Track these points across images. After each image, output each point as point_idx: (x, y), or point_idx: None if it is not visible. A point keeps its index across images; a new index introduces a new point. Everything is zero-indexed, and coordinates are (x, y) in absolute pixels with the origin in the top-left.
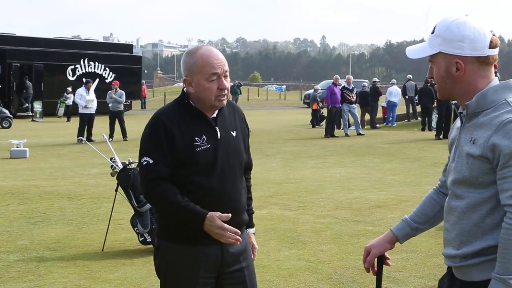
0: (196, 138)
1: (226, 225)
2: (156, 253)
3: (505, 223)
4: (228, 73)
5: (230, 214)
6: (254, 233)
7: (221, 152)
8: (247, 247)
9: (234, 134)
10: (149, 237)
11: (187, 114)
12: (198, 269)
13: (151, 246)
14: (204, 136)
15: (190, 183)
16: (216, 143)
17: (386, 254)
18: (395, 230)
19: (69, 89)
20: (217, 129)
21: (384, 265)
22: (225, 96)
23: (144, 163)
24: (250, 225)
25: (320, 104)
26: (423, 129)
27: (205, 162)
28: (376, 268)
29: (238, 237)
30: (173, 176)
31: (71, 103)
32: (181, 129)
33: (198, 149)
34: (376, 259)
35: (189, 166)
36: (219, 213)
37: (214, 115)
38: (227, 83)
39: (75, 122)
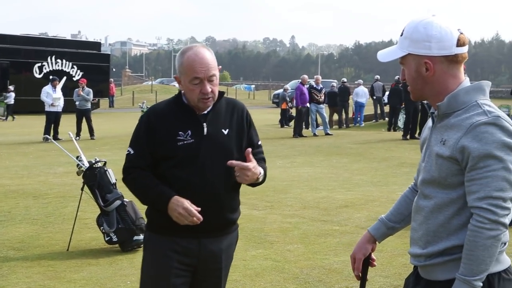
0: (180, 132)
1: (193, 210)
2: (143, 242)
3: (471, 225)
4: (214, 77)
5: (199, 208)
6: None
7: (205, 148)
8: (230, 248)
9: (225, 132)
10: (115, 236)
11: (178, 109)
12: (172, 259)
13: (117, 245)
14: (189, 131)
15: (171, 176)
16: (200, 139)
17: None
18: (372, 230)
19: (11, 87)
20: (204, 126)
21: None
22: (209, 98)
23: (127, 152)
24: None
25: (290, 104)
26: (389, 129)
27: (185, 156)
28: (361, 272)
29: (198, 217)
30: (156, 168)
31: (12, 102)
32: (166, 123)
33: (180, 143)
34: (362, 264)
35: (170, 159)
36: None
37: (205, 112)
38: (212, 86)
39: (41, 120)
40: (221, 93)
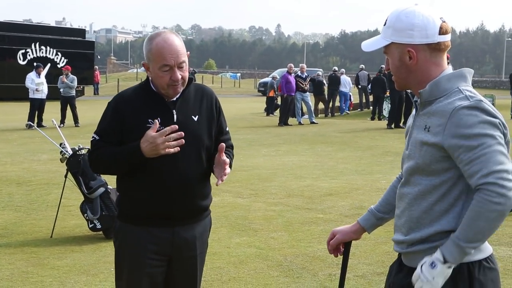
0: (149, 120)
1: (157, 133)
2: (113, 233)
3: (478, 197)
4: (184, 64)
5: (175, 126)
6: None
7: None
8: (204, 234)
9: (195, 118)
10: (98, 223)
11: (147, 97)
12: (146, 249)
13: (100, 232)
14: (159, 118)
15: (142, 165)
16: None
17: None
18: (362, 221)
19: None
20: (174, 112)
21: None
22: (178, 85)
23: (91, 139)
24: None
25: (277, 93)
26: (372, 118)
27: None
28: (342, 255)
29: (178, 133)
30: None
31: None
32: (135, 110)
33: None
34: (343, 247)
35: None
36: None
37: (174, 98)
38: (182, 72)
39: (25, 107)
40: (189, 79)
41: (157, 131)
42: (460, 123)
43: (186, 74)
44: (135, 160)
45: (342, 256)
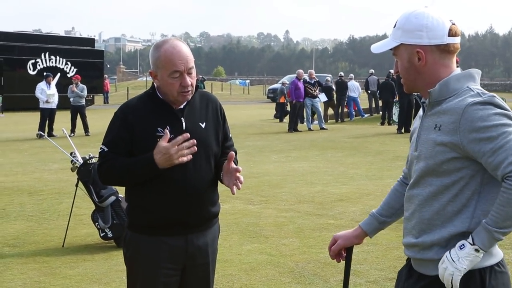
0: (159, 128)
1: (169, 144)
2: (123, 244)
3: (508, 185)
4: (193, 70)
5: (187, 134)
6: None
7: (185, 143)
8: (214, 241)
9: (203, 125)
10: (110, 232)
11: (154, 105)
12: (160, 259)
13: (112, 241)
14: (168, 126)
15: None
16: (180, 133)
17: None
18: (364, 226)
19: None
20: (183, 120)
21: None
22: (189, 91)
23: (100, 150)
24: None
25: (288, 99)
26: (382, 123)
27: None
28: (345, 260)
29: (191, 142)
30: None
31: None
32: (144, 120)
33: (160, 139)
34: (346, 252)
35: None
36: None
37: (181, 106)
38: (191, 79)
39: (36, 117)
40: (195, 87)
41: (169, 140)
42: (474, 117)
43: (195, 81)
44: (150, 172)
45: (345, 261)
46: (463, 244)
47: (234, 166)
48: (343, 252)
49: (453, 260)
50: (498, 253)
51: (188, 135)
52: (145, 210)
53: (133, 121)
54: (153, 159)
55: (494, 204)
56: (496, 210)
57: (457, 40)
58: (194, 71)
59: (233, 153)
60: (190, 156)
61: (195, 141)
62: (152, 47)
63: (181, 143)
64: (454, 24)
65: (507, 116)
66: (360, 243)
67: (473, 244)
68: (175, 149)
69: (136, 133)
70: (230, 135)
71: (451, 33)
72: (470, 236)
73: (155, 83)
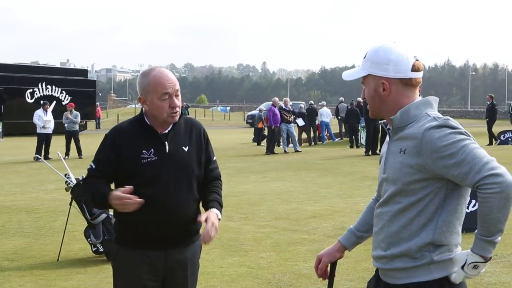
0: (144, 151)
1: (123, 195)
2: (110, 256)
3: (481, 195)
4: (179, 92)
5: (131, 187)
6: (217, 215)
7: (167, 165)
8: (195, 255)
9: (185, 149)
10: (101, 247)
11: (141, 129)
12: (142, 271)
13: (103, 255)
14: (152, 149)
15: (136, 194)
16: (163, 156)
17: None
18: (343, 240)
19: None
20: (166, 144)
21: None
22: (177, 113)
23: (88, 167)
24: (214, 206)
25: (265, 124)
26: (351, 147)
27: (150, 173)
28: (328, 274)
29: (136, 200)
30: (120, 184)
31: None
32: (130, 142)
33: (144, 161)
34: (329, 266)
35: (135, 177)
36: (122, 189)
37: (166, 131)
38: (178, 101)
39: (33, 141)
40: (181, 113)
41: (153, 199)
42: (433, 140)
43: (181, 104)
44: (107, 207)
45: (329, 274)
46: (476, 265)
47: (209, 224)
48: (327, 269)
49: (472, 275)
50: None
51: (131, 187)
52: (128, 226)
53: (120, 143)
54: (107, 200)
55: (478, 215)
56: (483, 220)
57: (419, 75)
58: (180, 94)
59: (202, 218)
60: (142, 200)
61: (142, 200)
62: (139, 75)
63: (127, 198)
64: (417, 60)
65: (461, 133)
66: (342, 257)
67: (485, 261)
68: (131, 201)
69: (122, 154)
70: (214, 158)
71: (414, 68)
72: (473, 254)
73: (144, 108)
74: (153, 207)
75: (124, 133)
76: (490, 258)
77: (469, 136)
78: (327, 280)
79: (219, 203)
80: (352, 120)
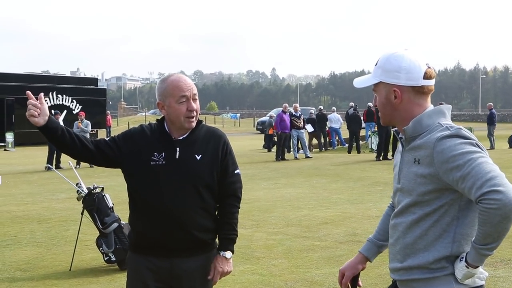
0: (155, 153)
1: (33, 102)
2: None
3: (480, 207)
4: (196, 96)
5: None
6: (225, 257)
7: (175, 170)
8: (206, 267)
9: (198, 157)
10: (113, 256)
11: (158, 133)
12: (147, 277)
13: (115, 264)
14: (163, 153)
15: (140, 196)
16: (172, 161)
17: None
18: (364, 251)
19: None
20: (177, 150)
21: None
22: (194, 117)
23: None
24: (222, 248)
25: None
26: (349, 152)
27: (156, 176)
28: (351, 285)
29: (35, 104)
30: (128, 185)
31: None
32: (147, 142)
33: (153, 163)
34: (351, 280)
35: (141, 177)
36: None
37: (181, 137)
38: (196, 105)
39: (44, 151)
40: (199, 121)
41: (156, 203)
42: (443, 150)
43: (199, 108)
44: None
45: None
46: (461, 259)
47: (215, 272)
48: (347, 282)
49: (455, 267)
50: (480, 277)
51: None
52: (136, 232)
53: (137, 140)
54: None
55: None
56: (478, 229)
57: (431, 82)
58: (197, 100)
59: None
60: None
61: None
62: (158, 82)
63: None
64: (429, 67)
65: (472, 144)
66: (365, 268)
67: (465, 260)
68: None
69: (135, 150)
70: (236, 171)
71: (426, 76)
72: (464, 253)
73: (162, 113)
74: (157, 212)
75: (145, 133)
76: (476, 267)
77: (480, 148)
78: None
79: (230, 239)
80: (353, 126)
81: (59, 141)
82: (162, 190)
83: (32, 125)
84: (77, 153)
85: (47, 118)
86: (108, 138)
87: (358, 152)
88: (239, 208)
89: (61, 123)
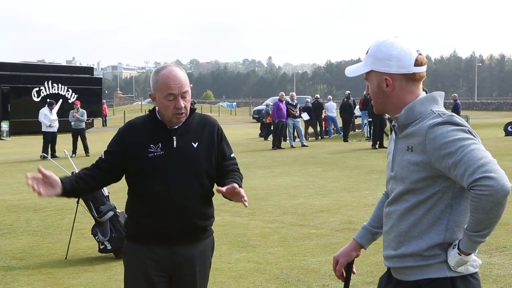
0: (151, 145)
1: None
2: (122, 251)
3: (472, 194)
4: (187, 94)
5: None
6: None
7: (174, 160)
8: (205, 253)
9: (195, 145)
10: (109, 244)
11: (151, 124)
12: (148, 267)
13: (111, 253)
14: (160, 144)
15: (142, 187)
16: (170, 151)
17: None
18: (358, 239)
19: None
20: (174, 139)
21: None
22: (182, 114)
23: (100, 155)
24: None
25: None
26: (345, 140)
27: (155, 167)
28: (345, 275)
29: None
30: (129, 180)
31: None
32: (139, 137)
33: (150, 154)
34: (346, 266)
35: (141, 170)
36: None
37: (176, 126)
38: (185, 102)
39: (40, 140)
40: (192, 110)
41: (157, 193)
42: (435, 137)
43: (189, 104)
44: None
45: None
46: (453, 246)
47: (230, 186)
48: (341, 269)
49: (448, 255)
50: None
51: (42, 171)
52: (135, 221)
53: (129, 139)
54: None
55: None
56: (471, 216)
57: (423, 69)
58: (188, 95)
59: (234, 185)
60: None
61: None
62: (153, 72)
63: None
64: (420, 54)
65: (464, 131)
66: (359, 255)
67: (457, 247)
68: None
69: (130, 149)
70: (232, 155)
71: (417, 63)
72: (457, 241)
73: (154, 104)
74: (158, 201)
75: (134, 128)
76: (468, 254)
77: (472, 135)
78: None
79: (237, 181)
80: (345, 114)
81: (80, 194)
82: (163, 180)
83: (28, 113)
84: (98, 189)
85: (60, 184)
86: (103, 152)
87: (345, 140)
88: (242, 179)
89: (55, 115)
